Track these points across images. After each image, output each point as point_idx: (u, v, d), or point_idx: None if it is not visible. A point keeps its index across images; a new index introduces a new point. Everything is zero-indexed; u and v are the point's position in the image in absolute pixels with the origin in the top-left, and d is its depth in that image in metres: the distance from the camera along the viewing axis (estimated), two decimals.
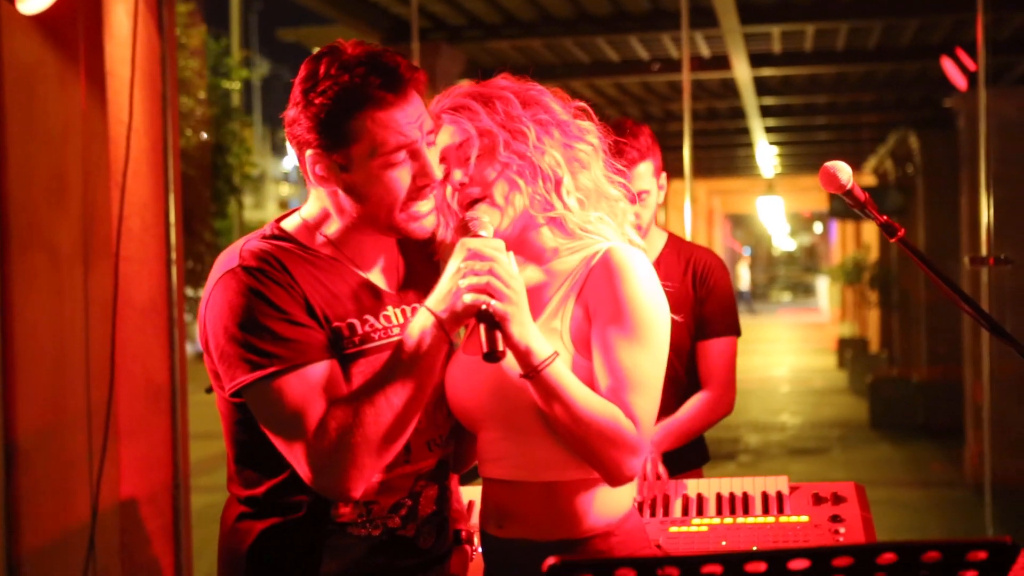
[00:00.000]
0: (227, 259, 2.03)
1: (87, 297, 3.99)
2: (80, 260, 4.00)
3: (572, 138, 2.15)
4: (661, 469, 3.04)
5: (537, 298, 2.11)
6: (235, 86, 8.41)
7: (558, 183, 2.12)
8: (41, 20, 3.89)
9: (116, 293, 3.95)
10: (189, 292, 7.24)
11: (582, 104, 2.22)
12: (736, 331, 3.36)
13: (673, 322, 3.14)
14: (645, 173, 3.20)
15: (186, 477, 4.34)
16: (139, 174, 4.11)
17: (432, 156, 2.05)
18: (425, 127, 2.04)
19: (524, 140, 2.10)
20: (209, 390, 2.14)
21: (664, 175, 3.31)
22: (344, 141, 1.99)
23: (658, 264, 3.27)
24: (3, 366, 4.02)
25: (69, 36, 3.98)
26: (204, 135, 7.15)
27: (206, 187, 7.41)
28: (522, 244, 2.17)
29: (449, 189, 2.14)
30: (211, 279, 2.03)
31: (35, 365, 4.03)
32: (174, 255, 4.28)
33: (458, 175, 2.11)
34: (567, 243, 2.16)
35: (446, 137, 2.14)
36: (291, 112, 2.03)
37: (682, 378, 3.32)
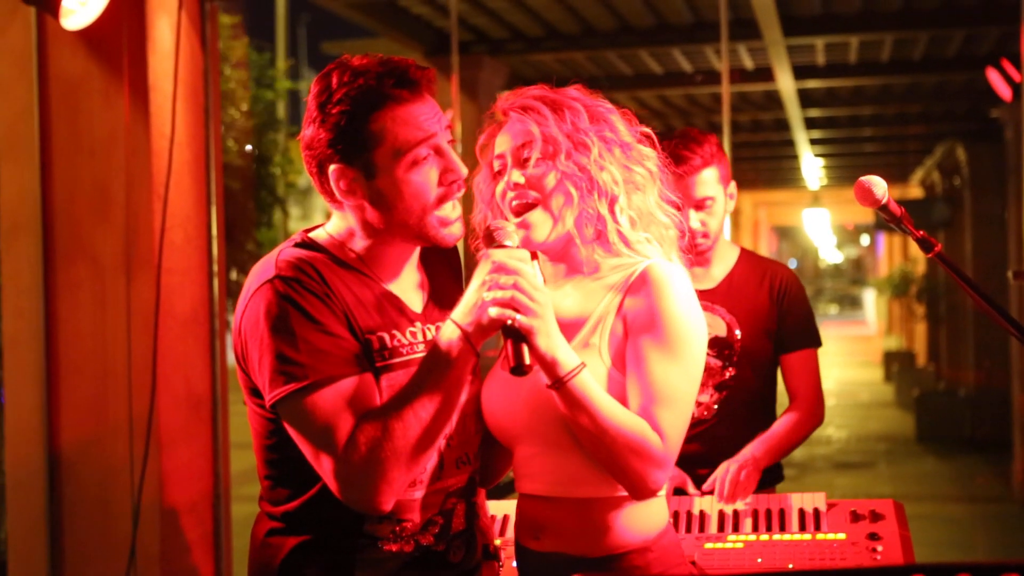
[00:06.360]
0: (263, 270, 2.02)
1: (129, 308, 4.04)
2: (123, 271, 4.05)
3: (632, 160, 2.16)
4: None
5: (577, 314, 2.11)
6: (278, 95, 8.44)
7: (613, 200, 2.13)
8: (85, 35, 3.95)
9: (158, 304, 4.00)
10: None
11: (647, 131, 2.22)
12: (817, 342, 3.35)
13: (751, 336, 3.15)
14: (710, 179, 3.21)
15: (226, 487, 4.37)
16: (181, 186, 4.16)
17: (455, 153, 2.05)
18: (443, 123, 2.04)
19: (586, 153, 2.11)
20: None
21: (734, 184, 3.32)
22: (366, 146, 1.98)
23: (732, 278, 3.28)
24: (47, 376, 4.07)
25: (113, 51, 4.04)
26: (248, 147, 7.17)
27: (249, 198, 7.43)
28: (565, 258, 2.18)
29: (501, 187, 2.15)
30: (247, 290, 2.01)
31: (78, 375, 4.09)
32: (216, 267, 4.32)
33: (516, 175, 2.12)
34: (610, 260, 2.15)
35: (509, 135, 2.15)
36: (308, 131, 2.02)
37: (762, 391, 3.31)
